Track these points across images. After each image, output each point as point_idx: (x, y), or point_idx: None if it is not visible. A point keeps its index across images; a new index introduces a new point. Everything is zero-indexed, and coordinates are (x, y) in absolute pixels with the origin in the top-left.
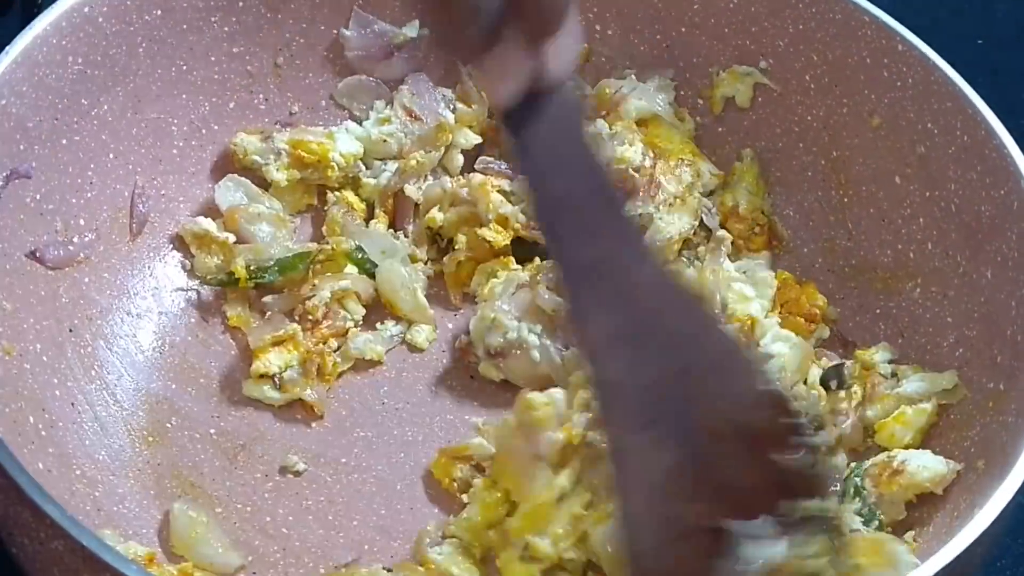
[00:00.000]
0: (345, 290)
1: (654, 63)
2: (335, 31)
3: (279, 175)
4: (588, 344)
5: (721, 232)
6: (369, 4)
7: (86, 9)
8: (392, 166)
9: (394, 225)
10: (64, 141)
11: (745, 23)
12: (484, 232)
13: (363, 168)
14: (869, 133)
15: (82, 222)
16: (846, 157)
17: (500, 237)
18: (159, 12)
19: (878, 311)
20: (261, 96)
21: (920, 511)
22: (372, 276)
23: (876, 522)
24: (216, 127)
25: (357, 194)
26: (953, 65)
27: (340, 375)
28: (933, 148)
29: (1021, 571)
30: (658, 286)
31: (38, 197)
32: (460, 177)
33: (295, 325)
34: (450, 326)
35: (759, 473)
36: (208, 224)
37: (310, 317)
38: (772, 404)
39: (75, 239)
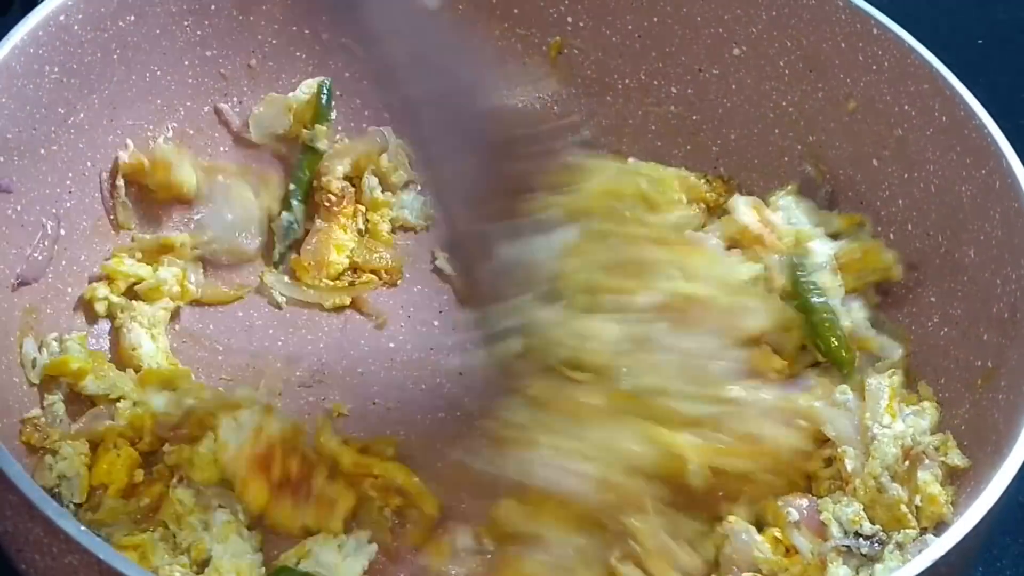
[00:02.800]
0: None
1: (627, 53)
2: (307, 31)
3: None
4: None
5: None
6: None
7: (61, 18)
8: None
9: None
10: (42, 151)
11: (718, 11)
12: None
13: None
14: (845, 117)
15: (63, 232)
16: (823, 142)
17: None
18: (132, 18)
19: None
20: (235, 98)
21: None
22: None
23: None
24: (191, 131)
25: None
26: (953, 65)
27: None
28: (911, 130)
29: (1020, 570)
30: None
31: (19, 209)
32: None
33: None
34: None
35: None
36: None
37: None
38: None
39: (55, 248)
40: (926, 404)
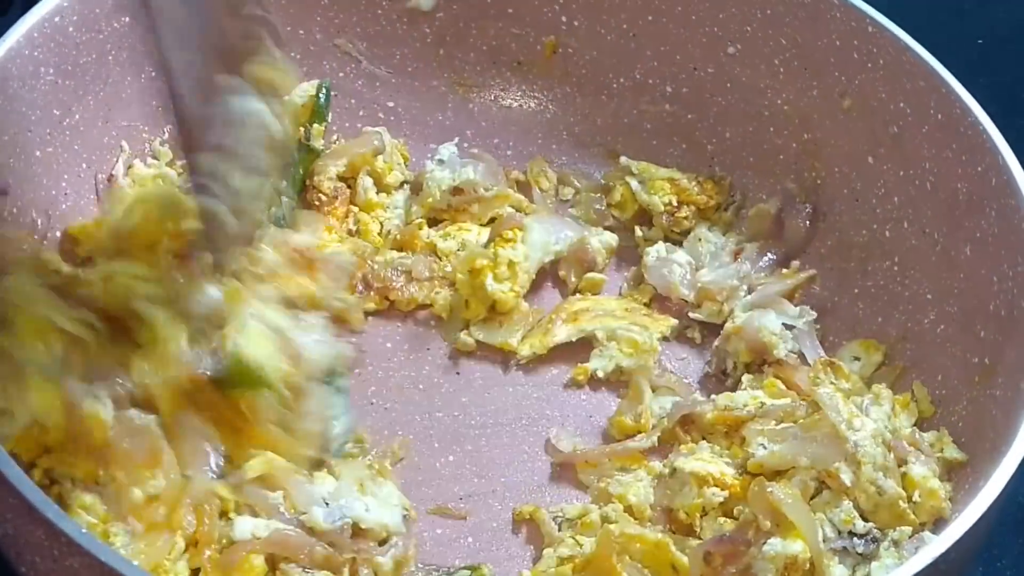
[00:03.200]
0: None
1: (621, 52)
2: (301, 31)
3: None
4: None
5: None
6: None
7: (56, 19)
8: None
9: None
10: (38, 153)
11: (712, 10)
12: None
13: None
14: (840, 115)
15: (58, 234)
16: (818, 139)
17: None
18: (127, 19)
19: (856, 291)
20: None
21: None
22: None
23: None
24: None
25: None
26: (953, 65)
27: None
28: (907, 127)
29: (1020, 570)
30: None
31: (15, 211)
32: None
33: None
34: None
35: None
36: None
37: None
38: None
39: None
40: (879, 390)
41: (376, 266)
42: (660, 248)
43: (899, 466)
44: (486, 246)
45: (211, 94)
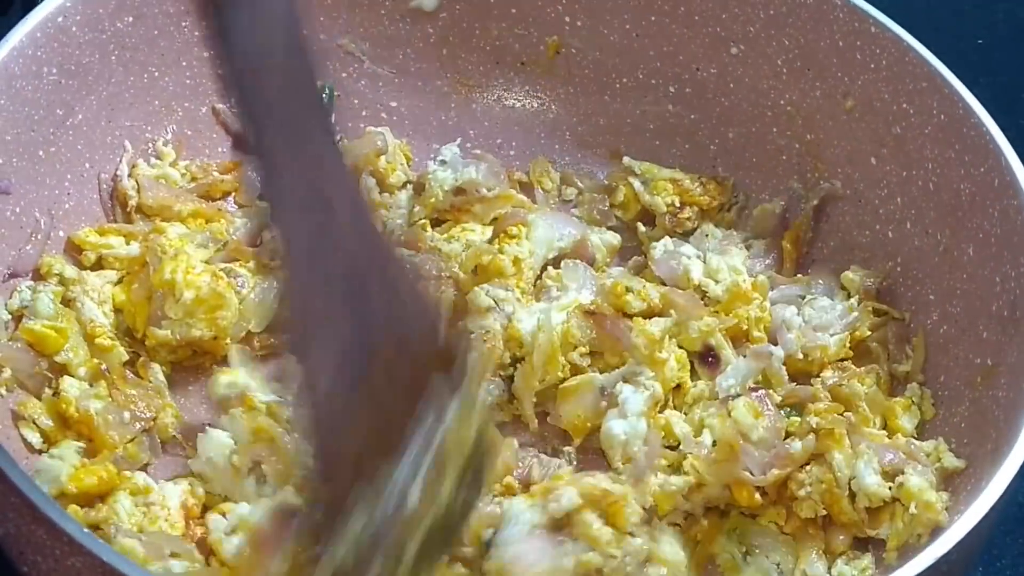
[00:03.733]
0: None
1: (624, 53)
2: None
3: None
4: (287, 246)
5: None
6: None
7: (60, 19)
8: None
9: None
10: (41, 153)
11: (715, 10)
12: None
13: None
14: (843, 115)
15: (61, 233)
16: (821, 140)
17: None
18: (131, 19)
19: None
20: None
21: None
22: None
23: None
24: (190, 132)
25: None
26: (953, 65)
27: None
28: (909, 128)
29: (1020, 570)
30: (350, 203)
31: (17, 211)
32: None
33: None
34: None
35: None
36: None
37: None
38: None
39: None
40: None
41: None
42: (667, 242)
43: (895, 477)
44: (490, 242)
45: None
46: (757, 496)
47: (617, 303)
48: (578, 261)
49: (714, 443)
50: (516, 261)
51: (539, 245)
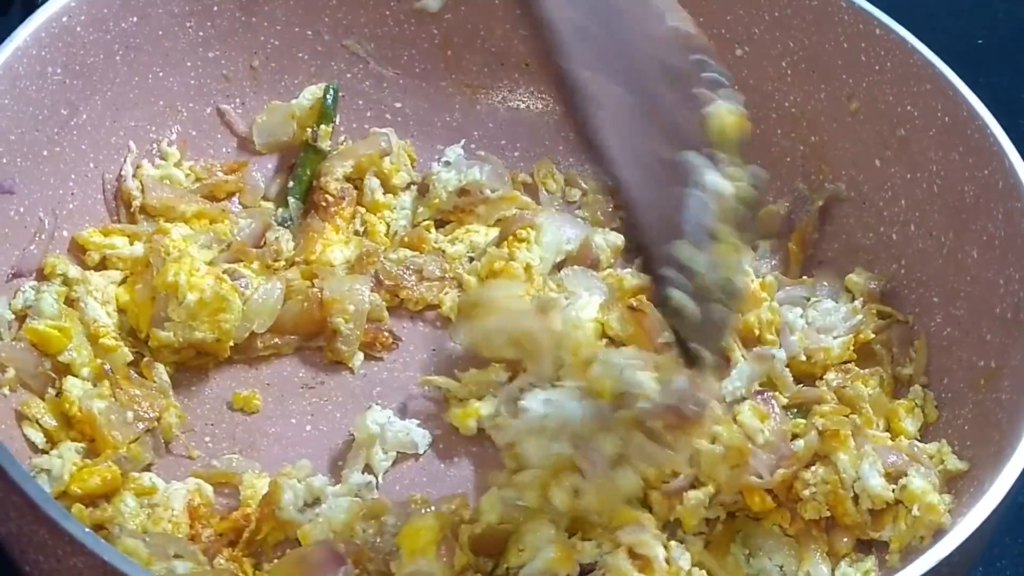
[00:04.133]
0: None
1: None
2: (309, 32)
3: None
4: None
5: None
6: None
7: (64, 19)
8: None
9: None
10: (45, 152)
11: (720, 12)
12: None
13: None
14: (848, 118)
15: (65, 233)
16: (825, 142)
17: None
18: (135, 19)
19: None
20: (238, 100)
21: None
22: None
23: None
24: (194, 133)
25: None
26: (953, 65)
27: None
28: (913, 130)
29: (1020, 570)
30: None
31: (21, 210)
32: None
33: None
34: None
35: (688, 111)
36: None
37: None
38: (682, 41)
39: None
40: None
41: (388, 264)
42: None
43: (898, 479)
44: (498, 245)
45: (664, 178)
46: (769, 500)
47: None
48: (576, 268)
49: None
50: (527, 268)
51: (548, 250)
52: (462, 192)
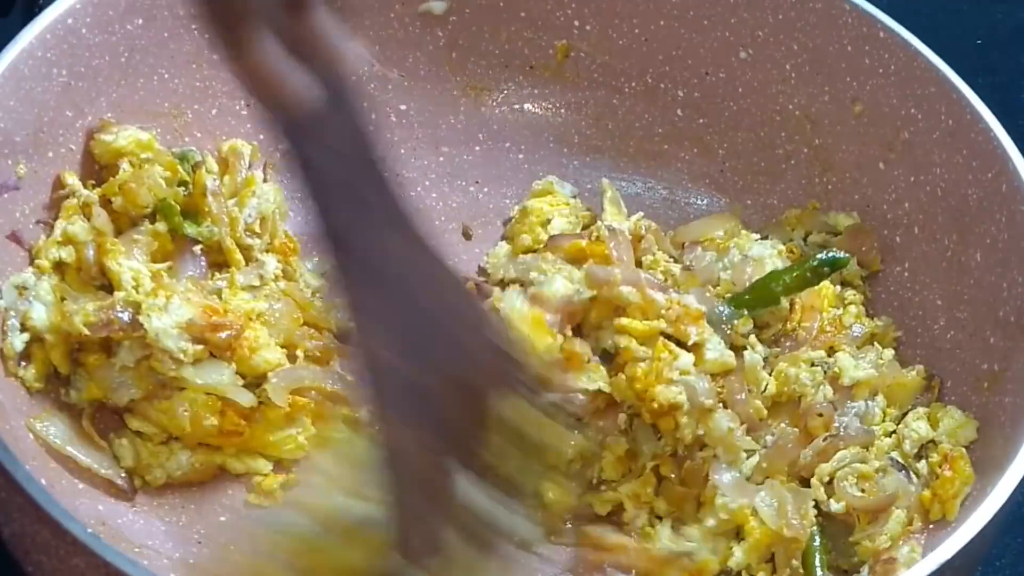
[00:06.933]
0: None
1: (633, 56)
2: None
3: None
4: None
5: None
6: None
7: (69, 21)
8: None
9: None
10: (50, 154)
11: (724, 14)
12: None
13: None
14: (852, 120)
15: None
16: (829, 145)
17: None
18: (140, 21)
19: (867, 296)
20: (242, 102)
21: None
22: None
23: None
24: (199, 135)
25: None
26: (953, 65)
27: None
28: (917, 133)
29: (1020, 569)
30: (412, 246)
31: (27, 211)
32: None
33: None
34: None
35: (477, 415)
36: None
37: None
38: (496, 355)
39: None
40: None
41: None
42: None
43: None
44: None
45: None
46: None
47: None
48: None
49: None
50: None
51: None
52: None
